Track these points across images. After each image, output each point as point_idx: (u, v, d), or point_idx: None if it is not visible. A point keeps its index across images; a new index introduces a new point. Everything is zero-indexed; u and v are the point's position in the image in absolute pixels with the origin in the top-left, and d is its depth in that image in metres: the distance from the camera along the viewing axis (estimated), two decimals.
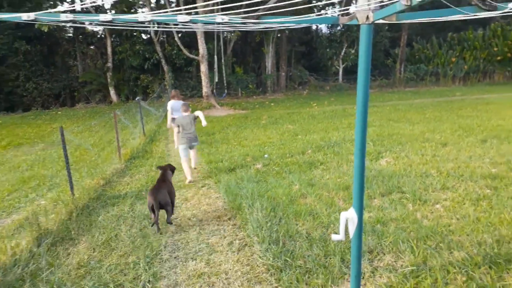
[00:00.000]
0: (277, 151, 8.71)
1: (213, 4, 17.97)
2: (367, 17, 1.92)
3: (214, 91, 22.90)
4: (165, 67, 25.22)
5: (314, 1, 23.21)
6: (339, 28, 29.16)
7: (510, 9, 1.83)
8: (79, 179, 7.13)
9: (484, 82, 27.21)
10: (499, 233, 3.72)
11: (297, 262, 3.48)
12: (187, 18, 1.94)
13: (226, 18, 1.97)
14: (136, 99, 14.05)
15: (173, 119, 8.23)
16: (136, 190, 6.43)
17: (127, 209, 5.45)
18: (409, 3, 1.53)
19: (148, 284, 3.36)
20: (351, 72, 30.43)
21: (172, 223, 4.69)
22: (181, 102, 8.88)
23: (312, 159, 7.65)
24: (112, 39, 26.03)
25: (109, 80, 25.98)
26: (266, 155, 8.35)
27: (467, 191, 5.12)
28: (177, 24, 2.26)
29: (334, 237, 2.05)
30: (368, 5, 1.87)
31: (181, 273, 3.54)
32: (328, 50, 29.07)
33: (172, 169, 5.37)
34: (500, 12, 1.81)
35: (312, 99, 23.03)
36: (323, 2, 2.54)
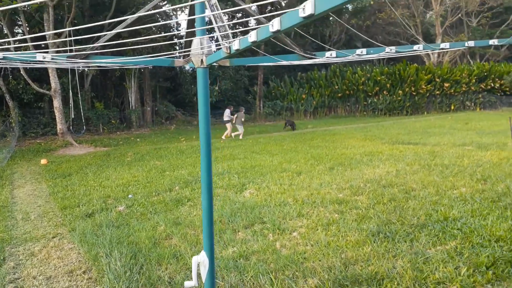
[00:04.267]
0: (142, 190, 8.31)
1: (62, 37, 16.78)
2: (202, 61, 2.00)
3: (71, 127, 21.03)
4: (10, 103, 22.20)
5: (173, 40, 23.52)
6: None
7: (327, 57, 2.12)
8: None
9: (330, 116, 30.99)
10: (345, 256, 4.14)
11: None
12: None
13: (48, 57, 1.81)
14: None
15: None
16: None
17: None
18: (228, 51, 1.65)
19: None
20: (215, 108, 31.41)
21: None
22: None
23: (179, 196, 7.50)
24: None
25: None
26: (130, 195, 7.89)
27: (319, 216, 5.62)
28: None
29: (187, 284, 1.98)
30: (202, 49, 1.95)
31: None
32: (192, 86, 29.66)
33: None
34: (319, 59, 2.09)
35: (180, 134, 22.92)
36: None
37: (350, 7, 36.44)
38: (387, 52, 2.42)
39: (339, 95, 30.88)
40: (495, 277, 3.64)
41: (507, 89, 32.88)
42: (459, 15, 35.10)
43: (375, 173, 8.34)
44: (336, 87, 30.89)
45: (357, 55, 2.29)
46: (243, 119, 19.26)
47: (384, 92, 30.45)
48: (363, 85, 30.71)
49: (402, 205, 5.91)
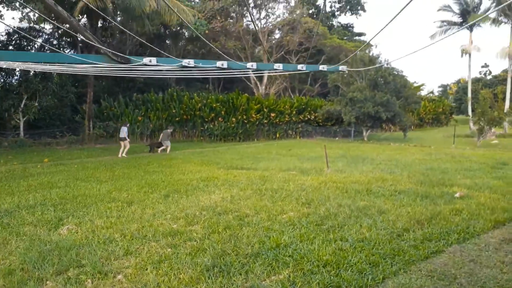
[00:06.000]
0: None
1: None
2: None
3: None
4: None
5: None
6: (16, 78, 25.98)
7: (144, 64, 1.73)
8: None
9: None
10: None
11: None
12: None
13: None
14: None
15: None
16: None
17: None
18: None
19: None
20: (34, 127, 27.36)
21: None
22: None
23: None
24: None
25: None
26: None
27: (150, 253, 5.02)
28: None
29: None
30: None
31: None
32: (4, 101, 25.20)
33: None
34: (134, 64, 1.68)
35: None
36: None
37: (186, 33, 37.12)
38: (248, 68, 2.24)
39: (177, 119, 30.70)
40: None
41: (320, 120, 38.20)
42: (282, 52, 39.58)
43: (211, 200, 8.16)
44: (174, 111, 30.64)
45: (218, 67, 2.05)
46: (169, 137, 21.81)
47: (220, 118, 31.62)
48: (200, 110, 31.29)
49: (237, 233, 5.79)
